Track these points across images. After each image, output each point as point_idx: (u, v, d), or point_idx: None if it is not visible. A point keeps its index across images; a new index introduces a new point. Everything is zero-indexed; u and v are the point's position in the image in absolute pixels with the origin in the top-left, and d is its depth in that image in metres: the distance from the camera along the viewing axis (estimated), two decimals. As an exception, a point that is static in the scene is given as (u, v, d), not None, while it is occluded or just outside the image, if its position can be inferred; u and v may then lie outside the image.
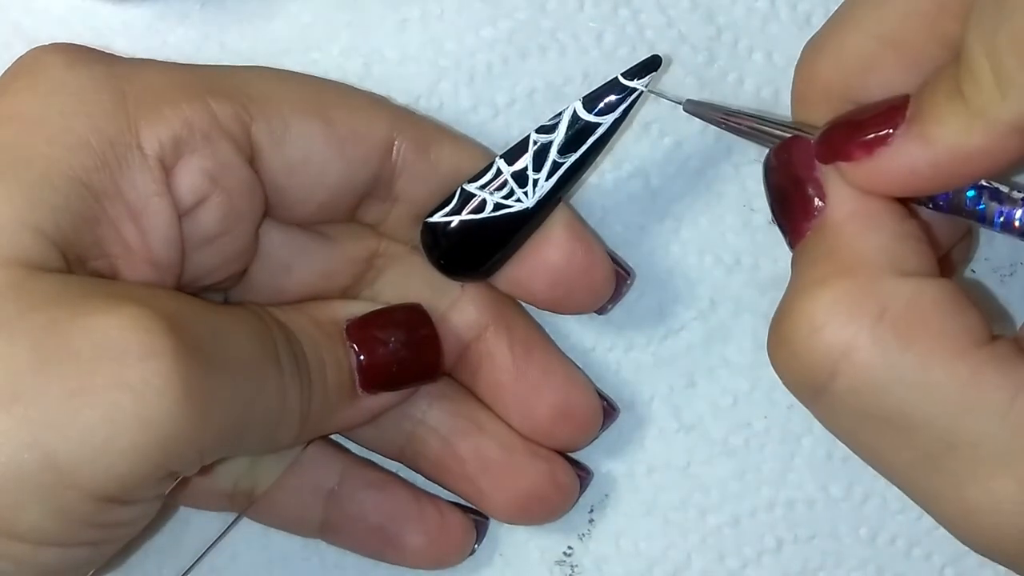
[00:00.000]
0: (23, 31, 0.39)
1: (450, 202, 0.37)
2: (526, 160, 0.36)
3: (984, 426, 0.29)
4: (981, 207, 0.32)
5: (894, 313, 0.30)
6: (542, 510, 0.39)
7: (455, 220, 0.36)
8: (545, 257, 0.37)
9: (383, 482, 0.40)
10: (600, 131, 0.36)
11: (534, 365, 0.39)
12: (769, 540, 0.40)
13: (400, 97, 0.40)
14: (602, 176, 0.40)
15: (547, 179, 0.36)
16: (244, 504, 0.38)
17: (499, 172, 0.36)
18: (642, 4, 0.40)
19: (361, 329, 0.36)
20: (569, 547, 0.41)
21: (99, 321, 0.29)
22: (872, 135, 0.30)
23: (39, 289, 0.30)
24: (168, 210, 0.33)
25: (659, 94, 0.37)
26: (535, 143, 0.36)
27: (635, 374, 0.40)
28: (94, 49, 0.35)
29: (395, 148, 0.36)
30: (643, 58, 0.36)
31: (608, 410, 0.40)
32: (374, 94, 0.38)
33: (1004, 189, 0.31)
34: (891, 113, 0.30)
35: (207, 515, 0.40)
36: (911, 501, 0.39)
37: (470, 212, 0.36)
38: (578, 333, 0.41)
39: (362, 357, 0.36)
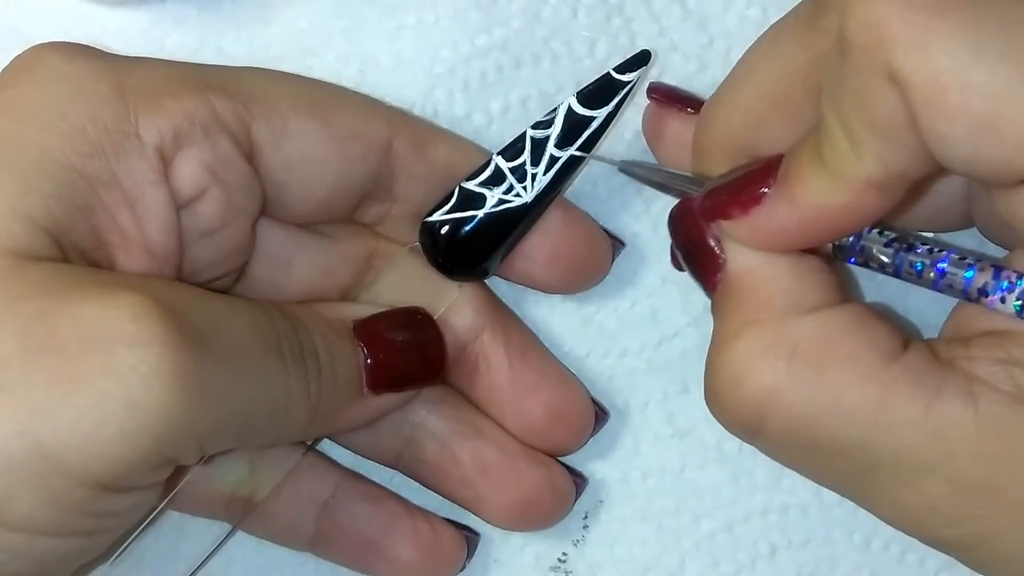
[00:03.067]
0: (20, 34, 0.39)
1: (449, 200, 0.37)
2: (524, 155, 0.37)
3: (904, 439, 0.30)
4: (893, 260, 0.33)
5: (804, 350, 0.31)
6: (539, 515, 0.39)
7: (454, 218, 0.37)
8: (547, 244, 0.38)
9: (377, 495, 0.39)
10: (595, 124, 0.37)
11: (529, 367, 0.39)
12: (763, 546, 0.40)
13: (395, 103, 0.40)
14: (596, 183, 0.40)
15: (545, 173, 0.37)
16: (241, 511, 0.38)
17: (497, 168, 0.37)
18: (635, 13, 0.40)
19: (368, 329, 0.36)
20: (564, 553, 0.40)
21: (86, 310, 0.29)
22: (747, 195, 0.32)
23: (28, 278, 0.30)
24: (165, 199, 0.33)
25: (598, 158, 0.38)
26: (532, 138, 0.37)
27: (629, 380, 0.41)
28: (94, 47, 0.35)
29: (393, 148, 0.36)
30: (633, 53, 0.37)
31: (599, 414, 0.40)
32: (369, 96, 0.39)
33: (914, 242, 0.33)
34: (764, 173, 0.32)
35: (203, 527, 0.39)
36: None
37: (470, 209, 0.37)
38: (572, 339, 0.41)
39: (368, 357, 0.36)
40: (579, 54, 0.40)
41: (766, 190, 0.32)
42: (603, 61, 0.40)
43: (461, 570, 0.40)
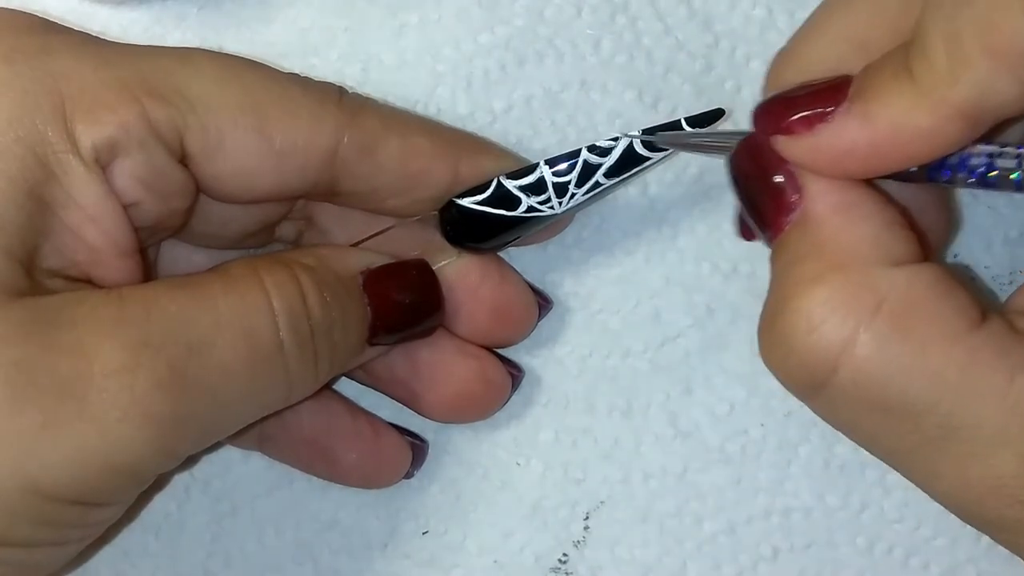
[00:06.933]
0: (21, 33, 0.39)
1: (484, 191, 0.37)
2: (572, 175, 0.36)
3: (985, 408, 0.29)
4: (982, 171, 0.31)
5: (891, 304, 0.29)
6: (474, 408, 0.40)
7: (483, 211, 0.37)
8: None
9: (321, 396, 0.39)
10: (647, 164, 0.36)
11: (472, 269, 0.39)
12: (765, 548, 0.40)
13: (397, 103, 0.40)
14: (599, 182, 0.40)
15: (584, 194, 0.37)
16: None
17: (542, 178, 0.37)
18: (639, 11, 0.40)
19: (376, 283, 0.36)
20: (564, 554, 0.40)
21: (62, 363, 0.30)
22: (812, 111, 0.30)
23: (10, 319, 0.30)
24: (117, 203, 0.33)
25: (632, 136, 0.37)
26: (585, 161, 0.36)
27: (632, 381, 0.40)
28: (31, 24, 0.34)
29: (338, 155, 0.35)
30: (709, 108, 0.36)
31: (542, 303, 0.40)
32: (322, 90, 0.36)
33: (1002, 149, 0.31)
34: (833, 91, 0.30)
35: (203, 526, 0.40)
36: (908, 511, 0.39)
37: (501, 208, 0.37)
38: (575, 339, 0.41)
39: (372, 313, 0.36)
40: (583, 52, 0.40)
41: (834, 108, 0.30)
42: (608, 59, 0.40)
43: (408, 477, 0.40)
